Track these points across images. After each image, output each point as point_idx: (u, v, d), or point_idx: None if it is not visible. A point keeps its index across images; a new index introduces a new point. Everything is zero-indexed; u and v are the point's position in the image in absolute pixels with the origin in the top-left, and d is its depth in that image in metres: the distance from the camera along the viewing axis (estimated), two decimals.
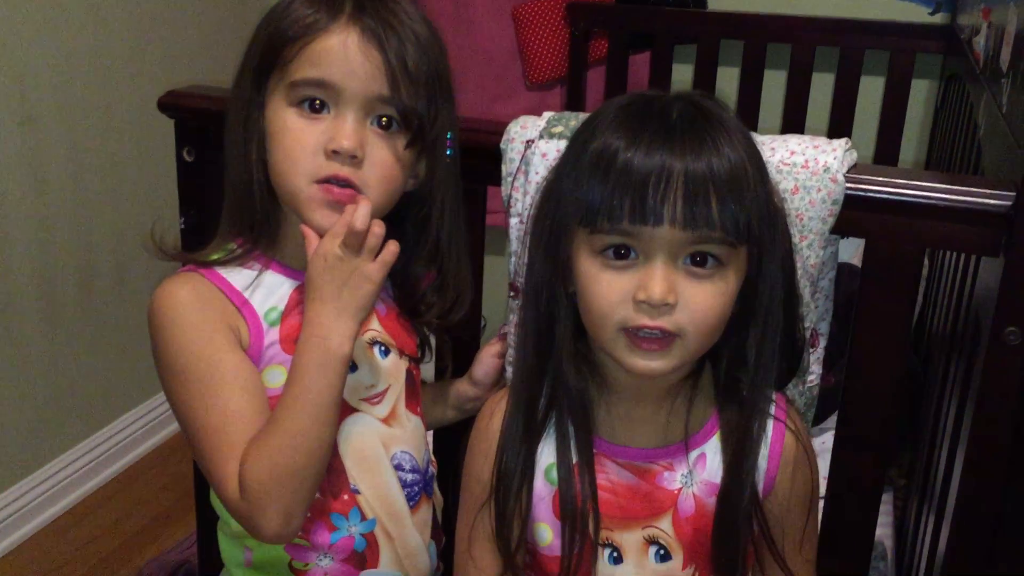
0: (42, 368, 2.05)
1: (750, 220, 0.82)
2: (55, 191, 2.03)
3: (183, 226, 1.17)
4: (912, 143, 2.40)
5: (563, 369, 0.89)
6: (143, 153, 2.23)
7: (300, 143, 0.90)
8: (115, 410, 2.29)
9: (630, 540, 0.92)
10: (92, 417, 2.22)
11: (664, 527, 0.91)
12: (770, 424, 0.92)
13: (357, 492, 0.96)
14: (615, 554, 0.92)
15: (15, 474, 2.02)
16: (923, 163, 2.41)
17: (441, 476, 1.09)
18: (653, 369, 0.84)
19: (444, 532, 1.10)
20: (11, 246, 1.94)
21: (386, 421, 0.99)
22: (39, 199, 1.99)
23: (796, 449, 0.93)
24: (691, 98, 0.87)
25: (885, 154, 2.31)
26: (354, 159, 0.90)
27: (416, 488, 1.01)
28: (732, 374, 0.91)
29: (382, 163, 0.91)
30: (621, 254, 0.83)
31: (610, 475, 0.92)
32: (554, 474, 0.92)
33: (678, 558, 0.92)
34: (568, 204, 0.85)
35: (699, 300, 0.82)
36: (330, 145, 0.89)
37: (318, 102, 0.90)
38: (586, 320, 0.86)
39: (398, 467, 0.99)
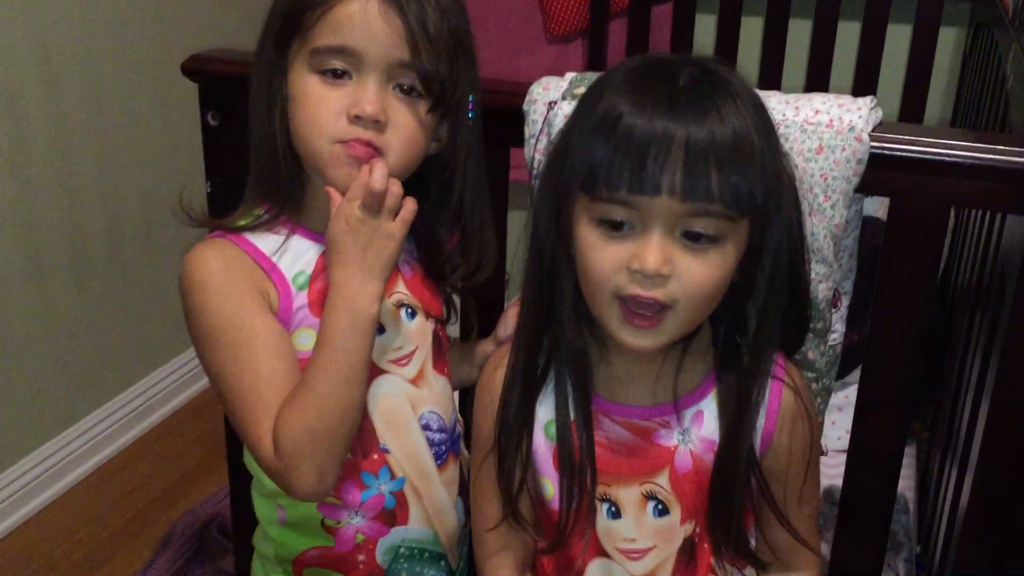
0: (74, 327, 2.09)
1: (752, 192, 0.81)
2: (80, 152, 2.04)
3: (209, 191, 1.18)
4: (939, 93, 2.37)
5: (563, 328, 0.90)
6: (167, 113, 2.24)
7: (323, 108, 0.91)
8: (147, 366, 2.33)
9: (628, 495, 0.93)
10: (124, 374, 2.26)
11: (662, 483, 0.92)
12: (768, 382, 0.92)
13: (386, 451, 0.98)
14: (613, 509, 0.94)
15: (51, 430, 2.07)
16: (950, 114, 2.38)
17: (468, 435, 1.11)
18: (642, 346, 0.85)
19: None
20: (39, 208, 1.96)
21: (414, 382, 1.01)
22: (65, 160, 2.01)
23: (795, 406, 0.93)
24: (702, 64, 0.86)
25: (912, 105, 2.28)
26: (377, 124, 0.90)
27: (444, 447, 1.03)
28: (732, 339, 0.91)
29: (404, 127, 0.92)
30: (618, 224, 0.83)
31: (607, 432, 0.93)
32: (553, 430, 0.93)
33: (676, 513, 0.93)
34: (571, 165, 0.85)
35: (694, 272, 0.82)
36: (352, 110, 0.90)
37: (340, 68, 0.91)
38: (583, 286, 0.87)
39: (426, 427, 1.01)
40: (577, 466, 0.91)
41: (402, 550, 1.01)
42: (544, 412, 0.94)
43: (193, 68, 1.19)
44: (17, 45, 1.86)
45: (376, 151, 0.91)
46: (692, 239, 0.82)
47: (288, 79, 0.93)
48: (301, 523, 0.99)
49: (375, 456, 0.98)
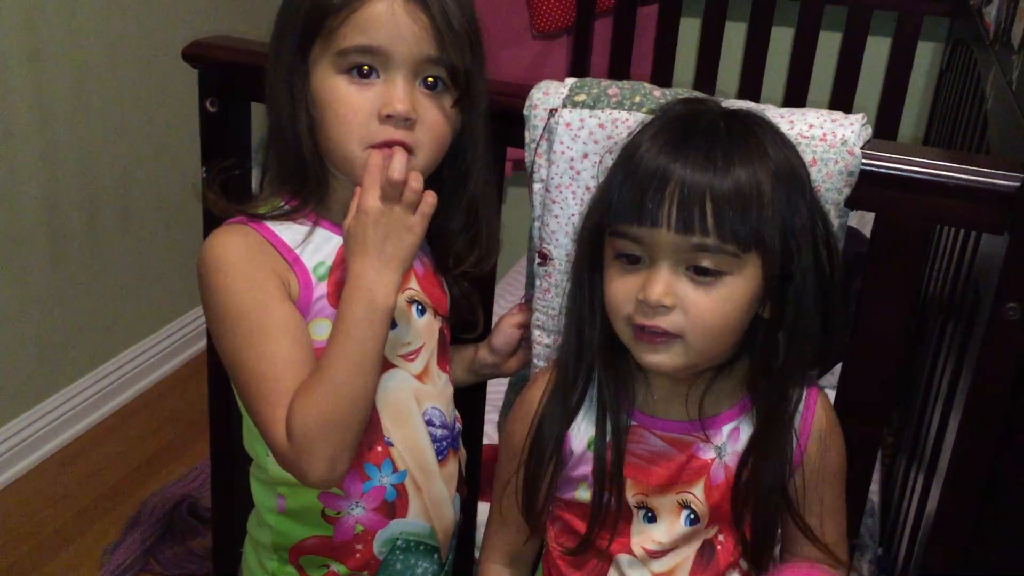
0: (47, 302, 2.08)
1: (760, 232, 0.87)
2: (61, 126, 2.03)
3: (204, 175, 1.18)
4: (914, 107, 2.41)
5: (602, 352, 0.96)
6: (149, 89, 2.23)
7: (353, 110, 0.92)
8: (118, 344, 2.32)
9: (664, 503, 0.98)
10: (96, 351, 2.25)
11: (697, 493, 0.97)
12: (803, 403, 0.97)
13: (390, 444, 1.00)
14: (650, 515, 0.98)
15: (20, 406, 2.06)
16: (924, 130, 2.43)
17: (465, 432, 1.13)
18: (658, 363, 0.91)
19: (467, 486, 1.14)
20: (18, 181, 1.94)
21: (420, 377, 1.02)
22: (45, 134, 1.99)
23: (826, 427, 0.99)
24: (735, 113, 0.92)
25: (887, 119, 2.33)
26: (407, 122, 0.92)
27: (445, 443, 1.05)
28: (764, 365, 0.95)
29: (433, 123, 0.94)
30: (632, 259, 0.90)
31: (648, 445, 0.98)
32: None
33: (705, 520, 0.98)
34: (599, 198, 0.93)
35: (699, 305, 0.88)
36: (384, 110, 0.91)
37: (367, 68, 0.92)
38: (608, 313, 0.94)
39: (429, 422, 1.03)
40: (609, 478, 0.96)
41: (399, 542, 1.02)
42: (586, 429, 0.99)
43: (194, 54, 1.19)
44: (1, 19, 1.84)
45: (410, 152, 0.92)
46: (699, 273, 0.87)
47: (312, 81, 0.94)
48: (301, 512, 1.00)
49: (379, 448, 0.99)
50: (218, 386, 1.28)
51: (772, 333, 0.93)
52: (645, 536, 0.98)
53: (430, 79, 0.94)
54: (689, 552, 0.99)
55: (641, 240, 0.88)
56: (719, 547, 0.99)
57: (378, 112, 0.91)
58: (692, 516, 0.97)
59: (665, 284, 0.87)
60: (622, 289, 0.90)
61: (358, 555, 1.01)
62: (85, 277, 2.17)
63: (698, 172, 0.86)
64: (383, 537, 1.01)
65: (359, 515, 1.00)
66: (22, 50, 1.90)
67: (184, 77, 1.24)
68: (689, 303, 0.88)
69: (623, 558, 0.99)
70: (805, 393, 0.98)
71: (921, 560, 1.14)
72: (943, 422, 1.16)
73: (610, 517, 0.98)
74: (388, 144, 0.92)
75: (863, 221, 2.13)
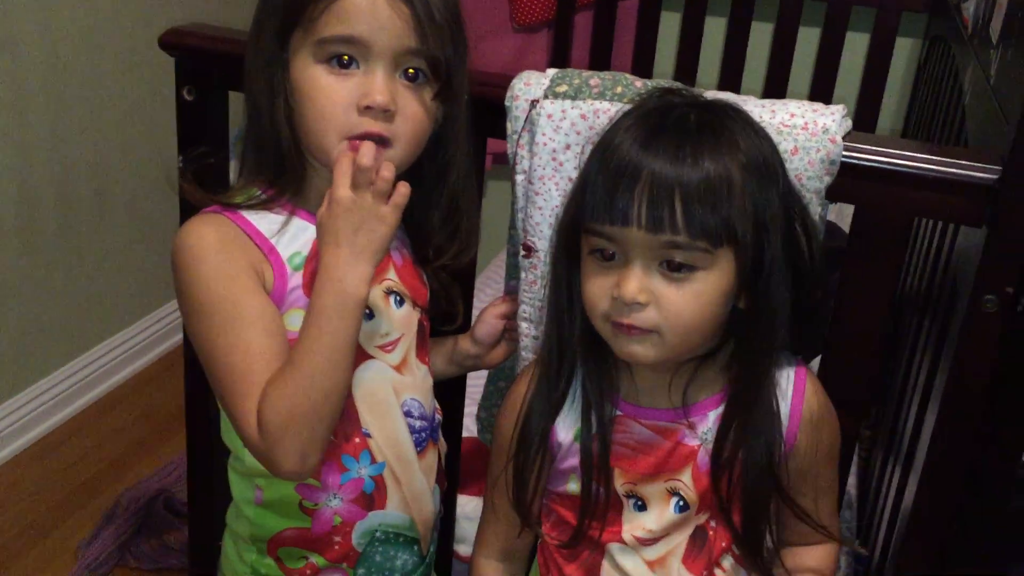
0: (21, 294, 2.05)
1: (730, 226, 0.87)
2: (35, 115, 2.00)
3: (181, 165, 1.17)
4: (892, 101, 2.43)
5: (584, 346, 0.96)
6: (125, 78, 2.20)
7: (332, 101, 0.91)
8: (92, 338, 2.29)
9: (653, 491, 0.98)
10: (69, 345, 2.22)
11: (685, 480, 0.97)
12: (790, 387, 0.98)
13: (368, 436, 0.99)
14: (639, 503, 0.99)
15: None
16: (901, 123, 2.44)
17: (445, 424, 1.13)
18: (637, 354, 0.91)
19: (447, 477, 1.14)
20: None
21: (398, 368, 1.02)
22: (18, 123, 1.96)
23: (816, 412, 0.99)
24: (707, 106, 0.92)
25: (865, 113, 2.34)
26: (386, 113, 0.91)
27: (424, 434, 1.04)
28: (742, 358, 0.95)
29: (413, 116, 0.93)
30: (607, 256, 0.90)
31: (634, 434, 0.98)
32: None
33: (695, 507, 0.98)
34: (574, 195, 0.94)
35: (673, 301, 0.88)
36: (363, 101, 0.90)
37: (346, 58, 0.91)
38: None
39: (407, 413, 1.02)
40: (596, 469, 0.97)
41: (378, 534, 1.02)
42: (573, 420, 0.99)
43: (170, 42, 1.17)
44: None
45: (386, 144, 0.91)
46: (672, 269, 0.88)
47: (291, 70, 0.93)
48: (278, 503, 1.00)
49: (357, 440, 0.99)
50: (195, 380, 1.26)
51: (749, 323, 0.93)
52: (636, 524, 0.99)
53: (411, 71, 0.93)
54: (681, 539, 0.99)
55: (613, 238, 0.88)
56: (711, 533, 0.99)
57: (357, 103, 0.91)
58: (682, 503, 0.98)
59: (639, 281, 0.88)
60: (598, 286, 0.91)
61: (337, 547, 1.01)
62: (59, 271, 2.14)
63: (668, 167, 0.86)
64: (362, 529, 1.01)
65: (337, 507, 0.99)
66: None
67: (161, 66, 1.23)
68: (663, 299, 0.88)
69: (615, 547, 1.00)
70: (792, 375, 0.98)
71: (898, 555, 1.15)
72: (920, 416, 1.17)
73: (600, 508, 0.98)
74: (366, 137, 0.91)
75: (841, 216, 2.14)
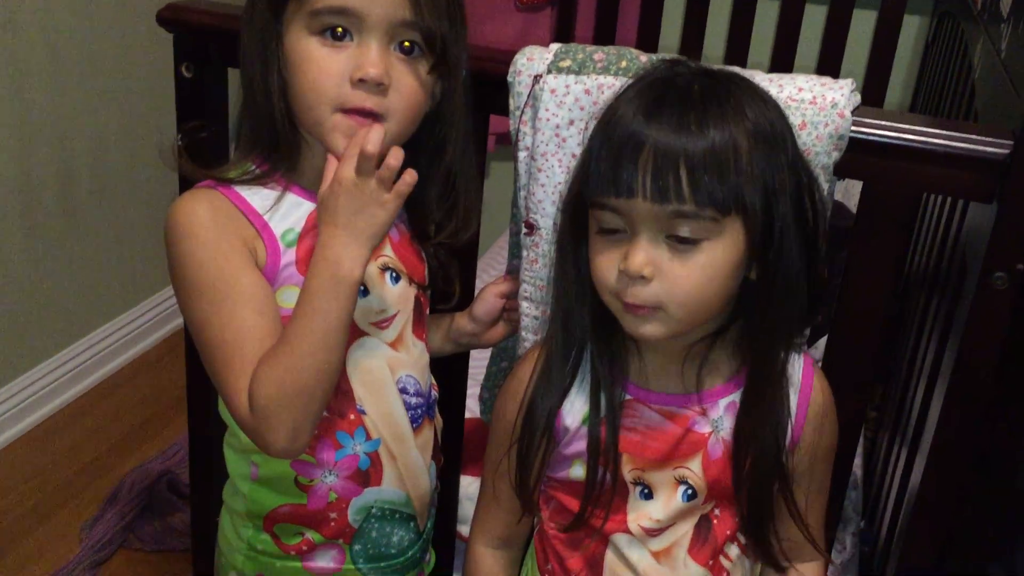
0: (22, 278, 2.04)
1: (739, 194, 0.85)
2: (35, 97, 1.99)
3: (180, 142, 1.16)
4: (900, 78, 2.40)
5: (592, 327, 0.94)
6: (125, 58, 2.19)
7: (325, 72, 0.90)
8: (95, 320, 2.29)
9: (661, 479, 0.96)
10: (72, 327, 2.22)
11: (694, 468, 0.95)
12: (798, 378, 0.96)
13: (363, 413, 0.98)
14: (646, 491, 0.97)
15: None
16: (910, 99, 2.42)
17: (442, 400, 1.12)
18: (644, 333, 0.89)
19: (443, 454, 1.13)
20: None
21: (393, 345, 1.01)
22: (19, 105, 1.95)
23: (822, 406, 0.97)
24: (712, 73, 0.90)
25: (873, 89, 2.32)
26: (380, 87, 0.90)
27: (419, 411, 1.03)
28: (755, 334, 0.93)
29: (407, 89, 0.92)
30: (614, 231, 0.88)
31: (643, 419, 0.96)
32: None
33: (702, 496, 0.96)
34: (578, 170, 0.91)
35: (679, 274, 0.86)
36: (356, 74, 0.89)
37: (340, 29, 0.90)
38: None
39: (403, 390, 1.01)
40: (604, 453, 0.95)
41: (374, 510, 1.01)
42: (580, 404, 0.97)
43: (168, 18, 1.16)
44: None
45: (378, 119, 0.90)
46: (678, 241, 0.86)
47: (285, 42, 0.92)
48: (274, 480, 0.99)
49: (351, 416, 0.98)
50: (196, 362, 1.24)
51: (761, 295, 0.91)
52: (642, 513, 0.97)
53: (406, 43, 0.92)
54: (687, 528, 0.97)
55: (619, 210, 0.86)
56: (715, 521, 0.97)
57: (350, 76, 0.89)
58: (689, 492, 0.96)
59: (645, 253, 0.86)
60: (606, 261, 0.89)
61: (333, 523, 1.00)
62: (60, 253, 2.14)
63: (671, 137, 0.83)
64: (357, 505, 1.00)
65: (332, 483, 0.99)
66: None
67: (160, 42, 1.21)
68: (668, 274, 0.86)
69: (621, 538, 0.97)
70: (801, 366, 0.96)
71: (904, 535, 1.14)
72: (928, 396, 1.15)
73: (605, 495, 0.96)
74: (358, 111, 0.90)
75: (848, 195, 2.12)
